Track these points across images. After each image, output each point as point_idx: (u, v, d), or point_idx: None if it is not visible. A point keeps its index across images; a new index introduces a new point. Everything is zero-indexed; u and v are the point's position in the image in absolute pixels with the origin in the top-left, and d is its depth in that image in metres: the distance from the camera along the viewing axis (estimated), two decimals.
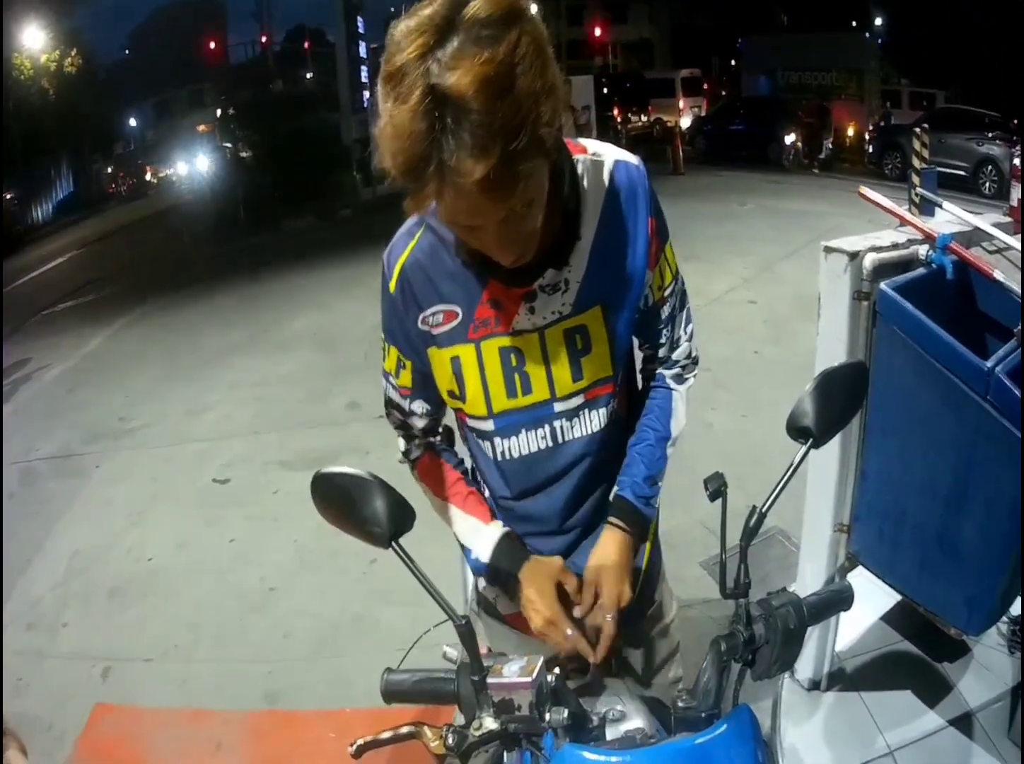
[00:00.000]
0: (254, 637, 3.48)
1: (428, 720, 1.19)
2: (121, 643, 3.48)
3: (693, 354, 1.55)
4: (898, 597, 2.68)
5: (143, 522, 4.56)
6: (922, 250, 2.27)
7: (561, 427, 1.39)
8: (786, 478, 1.20)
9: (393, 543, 1.14)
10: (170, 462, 5.32)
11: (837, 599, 1.25)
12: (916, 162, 3.84)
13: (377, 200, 14.55)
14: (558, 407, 1.37)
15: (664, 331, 1.50)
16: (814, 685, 2.70)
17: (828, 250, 2.21)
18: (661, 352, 1.52)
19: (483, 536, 1.45)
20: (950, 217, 2.59)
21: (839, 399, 1.25)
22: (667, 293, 1.45)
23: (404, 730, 1.21)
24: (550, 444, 1.40)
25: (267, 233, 14.74)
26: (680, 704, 1.17)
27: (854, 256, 2.16)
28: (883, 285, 2.15)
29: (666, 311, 1.47)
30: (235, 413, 6.01)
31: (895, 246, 2.25)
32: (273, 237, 14.47)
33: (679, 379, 1.54)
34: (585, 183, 1.29)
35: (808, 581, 2.58)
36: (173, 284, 11.16)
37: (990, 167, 13.89)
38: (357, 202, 16.09)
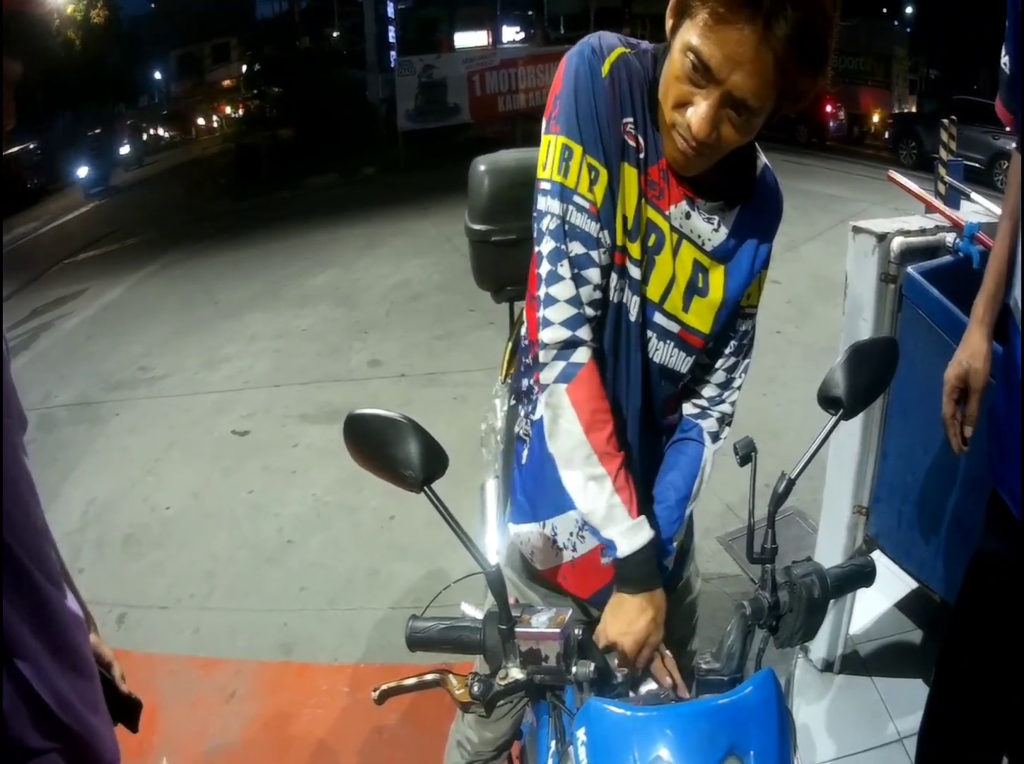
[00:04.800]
0: (269, 588, 3.51)
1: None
2: (136, 590, 3.51)
3: (733, 411, 1.49)
4: (913, 584, 2.70)
5: (160, 471, 4.57)
6: (949, 238, 2.27)
7: (652, 343, 1.36)
8: (816, 447, 1.20)
9: (426, 488, 1.11)
10: (188, 412, 5.33)
11: (859, 573, 1.25)
12: (943, 153, 3.84)
13: (401, 161, 14.48)
14: (658, 318, 1.34)
15: (725, 362, 1.45)
16: (827, 666, 2.72)
17: (857, 230, 2.22)
18: (709, 390, 1.47)
19: (630, 528, 1.27)
20: (975, 209, 2.60)
21: (869, 373, 1.25)
22: (749, 314, 1.43)
23: (429, 677, 1.21)
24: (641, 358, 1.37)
25: (289, 189, 14.68)
26: (703, 666, 1.16)
27: (882, 238, 2.17)
28: (910, 269, 2.16)
29: (739, 334, 1.44)
30: (254, 365, 6.02)
31: (923, 231, 2.26)
32: (295, 193, 14.42)
33: (715, 437, 1.47)
34: (758, 163, 1.35)
35: (825, 563, 2.51)
36: (194, 236, 11.17)
37: (1005, 162, 13.66)
38: (381, 161, 15.92)
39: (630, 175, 1.25)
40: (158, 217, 13.80)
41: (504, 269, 2.13)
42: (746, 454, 1.21)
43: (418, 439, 1.11)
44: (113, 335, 7.08)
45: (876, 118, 20.84)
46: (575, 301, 1.25)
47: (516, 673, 1.12)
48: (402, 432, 1.12)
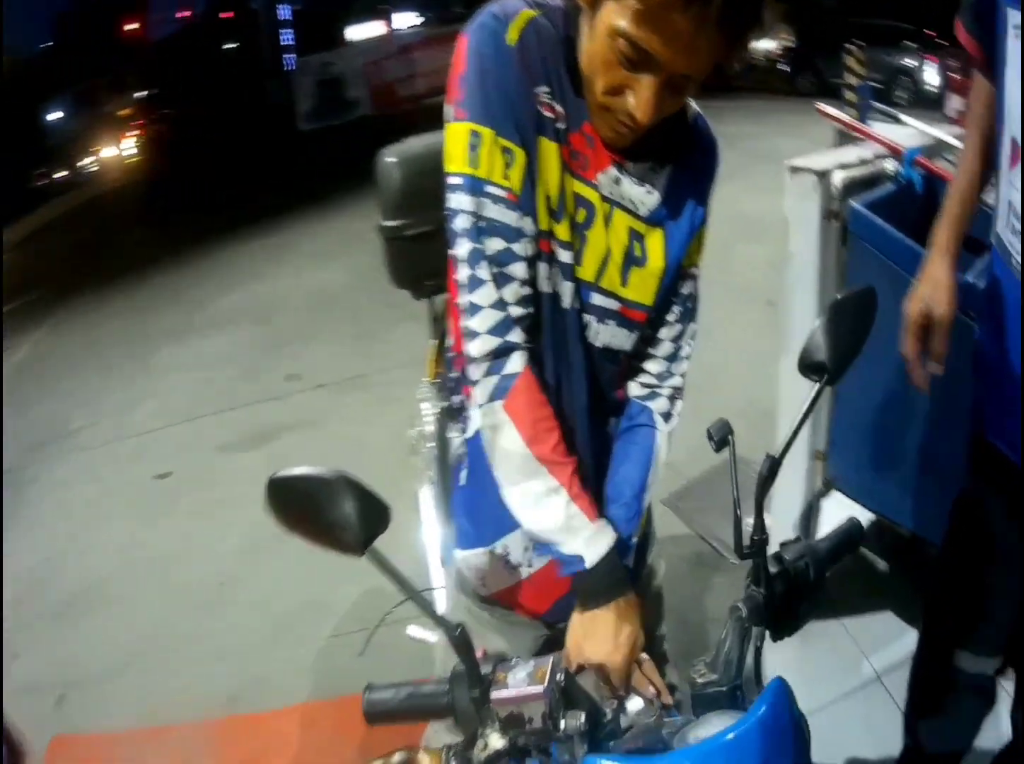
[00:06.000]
0: (210, 638, 3.28)
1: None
2: (74, 667, 3.25)
3: (683, 384, 1.39)
4: (871, 517, 2.63)
5: (87, 531, 4.29)
6: (889, 166, 2.23)
7: (591, 327, 1.25)
8: (800, 420, 1.13)
9: (369, 550, 0.96)
10: (110, 463, 5.04)
11: (849, 540, 1.18)
12: (852, 78, 3.87)
13: (303, 163, 14.12)
14: (595, 299, 1.23)
15: (670, 332, 1.35)
16: None
17: (795, 170, 2.13)
18: (656, 366, 1.36)
19: (593, 535, 1.17)
20: (909, 132, 2.56)
21: (850, 330, 1.16)
22: (691, 275, 1.34)
23: (396, 759, 1.07)
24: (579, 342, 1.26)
25: (194, 209, 14.20)
26: (699, 680, 1.04)
27: (823, 175, 2.09)
28: (854, 203, 2.10)
29: (683, 298, 1.33)
30: (171, 401, 5.73)
31: (862, 163, 2.20)
32: (200, 213, 13.93)
33: (667, 417, 1.37)
34: (689, 112, 1.26)
35: (784, 508, 2.51)
36: (97, 279, 10.65)
37: (905, 78, 13.93)
38: (284, 166, 15.60)
39: (549, 150, 1.14)
40: (57, 265, 13.20)
41: (422, 264, 1.99)
42: (722, 438, 1.12)
43: (354, 495, 0.95)
44: (25, 395, 6.65)
45: (774, 49, 21.07)
46: (500, 304, 1.14)
47: (496, 741, 0.96)
48: (335, 490, 0.95)
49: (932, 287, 1.57)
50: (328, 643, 3.09)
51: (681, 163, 1.24)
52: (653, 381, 1.37)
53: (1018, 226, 1.32)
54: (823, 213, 2.13)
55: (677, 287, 1.32)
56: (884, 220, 2.06)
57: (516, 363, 1.14)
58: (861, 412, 2.30)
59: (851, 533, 1.17)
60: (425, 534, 2.25)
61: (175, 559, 3.86)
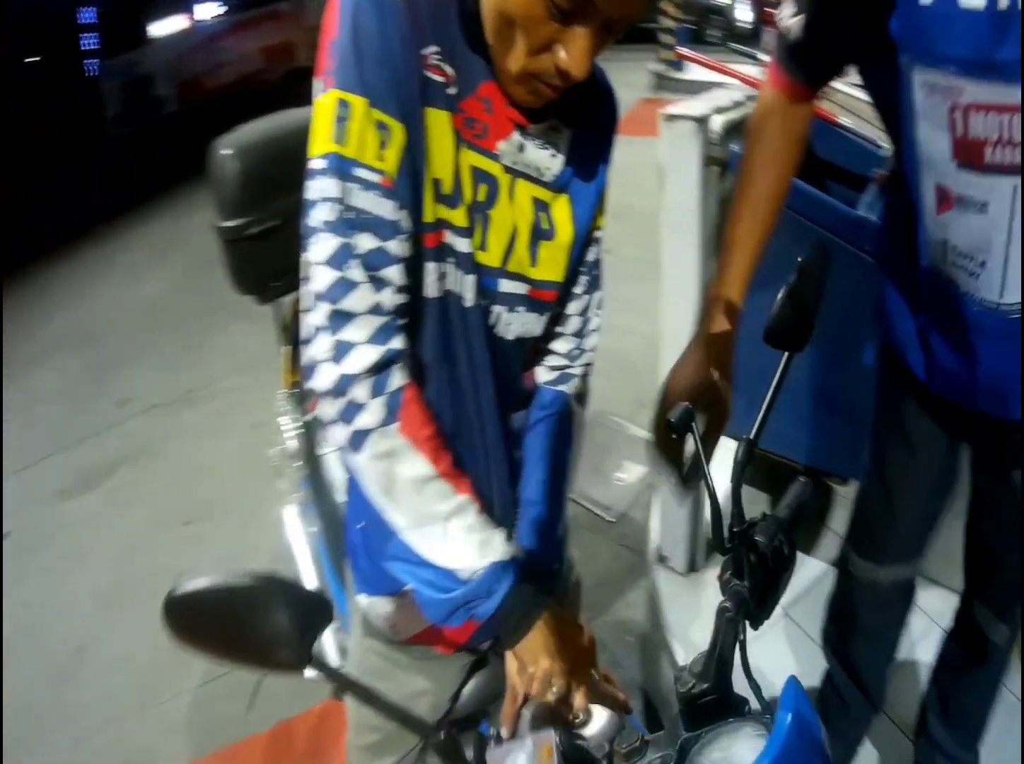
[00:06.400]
0: (73, 715, 2.88)
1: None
2: None
3: (594, 358, 1.30)
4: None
5: None
6: None
7: (501, 320, 1.10)
8: (772, 394, 1.07)
9: (314, 660, 0.79)
10: None
11: (806, 500, 1.11)
12: (668, 21, 3.91)
13: (114, 173, 13.21)
14: (504, 286, 1.08)
15: (578, 305, 1.24)
16: (690, 568, 2.64)
17: (671, 118, 2.03)
18: (565, 344, 1.25)
19: (505, 548, 1.03)
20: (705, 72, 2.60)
21: (812, 292, 1.10)
22: (597, 239, 1.22)
23: None
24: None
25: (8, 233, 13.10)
26: (691, 691, 0.95)
27: (701, 121, 2.01)
28: (736, 147, 2.04)
29: (589, 266, 1.23)
30: None
31: (737, 105, 2.13)
32: (9, 237, 12.88)
33: (581, 398, 1.29)
34: None
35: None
36: None
37: (717, 16, 14.31)
38: (100, 175, 14.61)
39: (439, 122, 0.96)
40: None
41: (268, 264, 1.89)
42: (683, 425, 1.03)
43: (284, 598, 0.76)
44: None
45: None
46: (379, 310, 0.95)
47: None
48: (258, 598, 0.77)
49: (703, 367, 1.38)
50: (201, 692, 2.80)
51: (582, 117, 1.12)
52: (563, 362, 1.26)
53: (961, 261, 1.27)
54: (704, 160, 2.04)
55: (583, 255, 1.20)
56: None
57: (399, 376, 0.96)
58: (752, 354, 2.19)
59: (806, 495, 1.10)
60: (299, 563, 2.05)
61: (24, 630, 3.39)
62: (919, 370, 1.47)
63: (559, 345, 1.24)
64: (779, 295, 1.05)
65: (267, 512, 2.13)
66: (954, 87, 1.13)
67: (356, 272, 0.92)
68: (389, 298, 0.95)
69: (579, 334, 1.25)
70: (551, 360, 1.25)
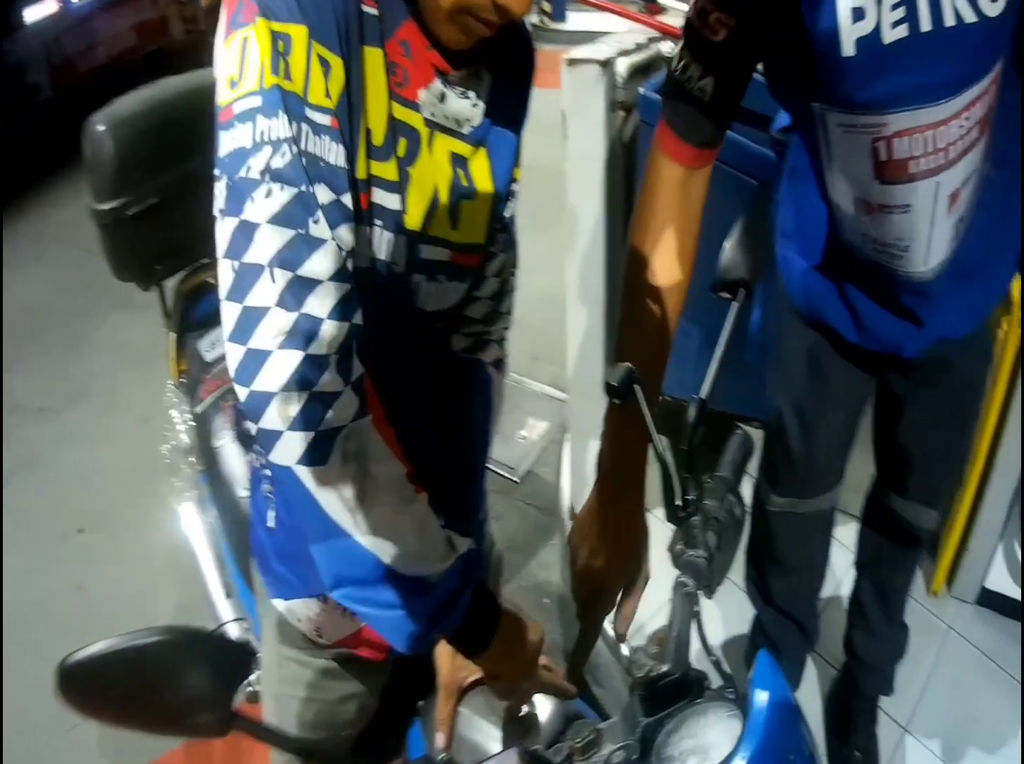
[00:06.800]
0: None
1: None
2: None
3: (511, 322, 1.23)
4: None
5: None
6: (665, 48, 2.13)
7: (421, 290, 0.97)
8: (723, 349, 0.98)
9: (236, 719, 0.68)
10: None
11: (748, 450, 1.04)
12: None
13: None
14: (424, 252, 0.94)
15: (494, 266, 1.11)
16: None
17: (574, 63, 1.95)
18: (481, 308, 1.12)
19: (451, 551, 0.92)
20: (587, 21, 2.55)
21: (760, 238, 1.07)
22: (513, 193, 1.10)
23: None
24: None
25: None
26: (649, 675, 0.86)
27: (606, 64, 1.94)
28: (644, 91, 1.99)
29: (505, 223, 1.11)
30: None
31: (639, 48, 2.08)
32: None
33: (499, 365, 1.19)
34: None
35: (582, 416, 2.41)
36: None
37: None
38: None
39: (373, 61, 0.84)
40: None
41: (149, 245, 1.81)
42: (626, 388, 0.89)
43: (196, 654, 0.67)
44: None
45: None
46: (343, 275, 0.80)
47: None
48: (166, 657, 0.66)
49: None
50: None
51: (500, 62, 1.00)
52: (479, 328, 1.14)
53: (884, 248, 1.31)
54: (609, 105, 1.97)
55: (500, 212, 1.07)
56: None
57: (357, 359, 0.82)
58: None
59: (747, 447, 1.03)
60: (201, 564, 1.92)
61: None
62: (844, 330, 1.48)
63: (474, 310, 1.12)
64: (728, 243, 0.99)
65: (164, 512, 1.97)
66: (876, 123, 1.13)
67: (321, 227, 0.77)
68: (347, 263, 0.82)
69: (495, 297, 1.14)
70: (466, 327, 1.12)
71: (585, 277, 2.17)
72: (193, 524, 1.92)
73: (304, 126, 0.77)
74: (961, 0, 1.01)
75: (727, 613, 2.27)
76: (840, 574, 2.34)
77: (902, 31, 1.03)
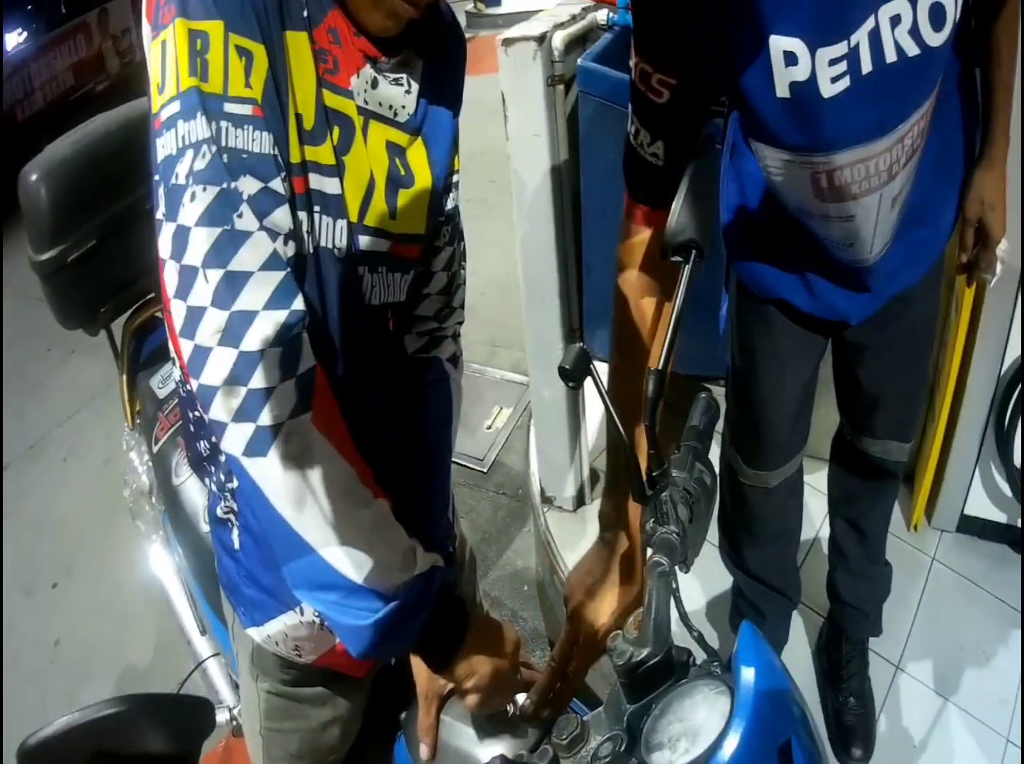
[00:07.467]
0: None
1: None
2: None
3: (463, 316, 1.19)
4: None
5: None
6: (600, 16, 2.10)
7: (364, 282, 0.96)
8: (677, 317, 0.89)
9: None
10: None
11: (714, 414, 0.98)
12: None
13: None
14: (363, 242, 0.93)
15: (442, 259, 1.11)
16: (578, 503, 2.57)
17: (509, 42, 1.93)
18: (433, 305, 1.12)
19: (413, 559, 0.90)
20: (521, 2, 2.54)
21: (707, 193, 0.97)
22: (454, 183, 1.10)
23: None
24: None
25: None
26: (630, 660, 0.80)
27: (542, 40, 1.92)
28: (581, 62, 1.96)
29: (449, 214, 1.10)
30: None
31: (575, 19, 2.05)
32: None
33: (455, 361, 1.17)
34: None
35: (545, 394, 2.40)
36: None
37: None
38: None
39: (298, 45, 0.83)
40: None
41: (92, 289, 1.79)
42: (577, 371, 0.81)
43: (155, 718, 0.66)
44: None
45: None
46: (276, 262, 0.79)
47: None
48: (125, 725, 0.65)
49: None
50: None
51: (431, 49, 0.99)
52: (432, 325, 1.14)
53: (829, 244, 1.32)
54: (547, 80, 1.94)
55: (443, 203, 1.07)
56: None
57: (307, 351, 0.81)
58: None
59: (712, 411, 0.98)
60: (174, 603, 1.89)
61: None
62: (800, 302, 1.48)
63: (426, 307, 1.11)
64: (676, 202, 0.93)
65: (134, 554, 1.93)
66: (815, 161, 1.11)
67: (246, 220, 0.77)
68: (282, 248, 0.81)
69: (445, 291, 1.14)
70: (418, 325, 1.12)
71: (536, 255, 2.15)
72: (162, 565, 1.89)
73: (223, 123, 0.77)
74: (903, 35, 0.99)
75: (705, 576, 2.25)
76: (817, 521, 2.35)
77: (843, 83, 1.01)
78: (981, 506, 2.32)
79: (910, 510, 2.39)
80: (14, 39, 7.07)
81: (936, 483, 2.32)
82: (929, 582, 2.27)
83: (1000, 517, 2.30)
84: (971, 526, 2.36)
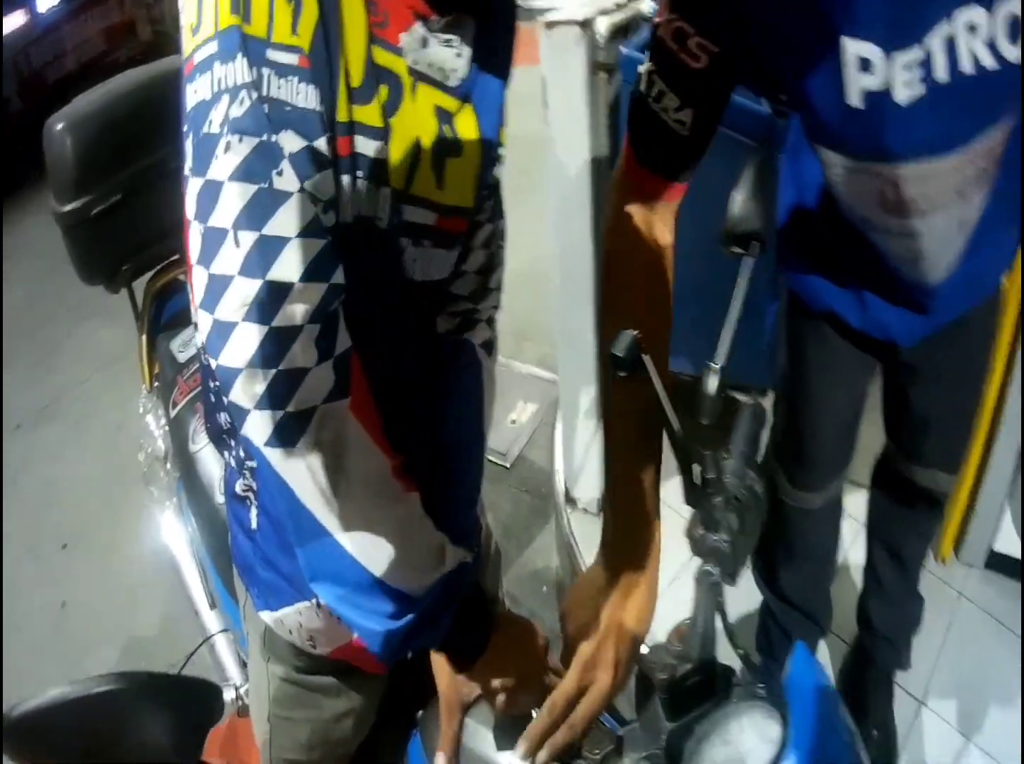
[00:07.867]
0: None
1: None
2: None
3: (500, 300, 1.13)
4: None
5: None
6: (644, 6, 2.03)
7: (406, 255, 0.87)
8: (739, 309, 0.90)
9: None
10: None
11: (762, 422, 0.94)
12: None
13: None
14: (408, 214, 0.84)
15: (481, 236, 1.03)
16: (601, 508, 2.47)
17: (552, 25, 1.88)
18: (467, 284, 1.04)
19: (442, 558, 0.85)
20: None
21: (771, 186, 0.99)
22: (500, 156, 1.01)
23: None
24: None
25: None
26: (674, 676, 0.79)
27: (585, 25, 1.86)
28: (624, 49, 1.91)
29: (491, 189, 1.03)
30: None
31: (619, 6, 1.98)
32: None
33: (490, 347, 1.09)
34: None
35: (573, 392, 2.35)
36: None
37: None
38: None
39: None
40: None
41: (114, 244, 1.77)
42: (632, 358, 0.77)
43: (158, 704, 0.61)
44: None
45: None
46: (315, 230, 0.72)
47: None
48: (123, 705, 0.59)
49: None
50: None
51: (482, 13, 0.90)
52: (467, 305, 1.06)
53: (892, 260, 1.26)
54: (591, 67, 1.88)
55: (488, 176, 0.98)
56: None
57: (344, 330, 0.76)
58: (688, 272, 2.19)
59: (761, 420, 0.94)
60: (185, 575, 1.85)
61: None
62: (851, 317, 1.42)
63: (460, 285, 1.03)
64: (737, 193, 0.90)
65: (145, 522, 1.90)
66: (882, 171, 1.05)
67: (287, 179, 0.70)
68: (323, 215, 0.74)
69: (483, 271, 1.06)
70: (452, 304, 1.04)
71: (572, 246, 2.10)
72: (174, 534, 1.85)
73: (266, 70, 0.69)
74: (980, 46, 0.93)
75: (731, 592, 2.19)
76: (848, 545, 2.28)
77: (916, 91, 0.95)
78: (1010, 544, 2.24)
79: (937, 541, 2.31)
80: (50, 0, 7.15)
81: (966, 516, 2.25)
82: (955, 617, 2.20)
83: None
84: (999, 563, 2.28)
